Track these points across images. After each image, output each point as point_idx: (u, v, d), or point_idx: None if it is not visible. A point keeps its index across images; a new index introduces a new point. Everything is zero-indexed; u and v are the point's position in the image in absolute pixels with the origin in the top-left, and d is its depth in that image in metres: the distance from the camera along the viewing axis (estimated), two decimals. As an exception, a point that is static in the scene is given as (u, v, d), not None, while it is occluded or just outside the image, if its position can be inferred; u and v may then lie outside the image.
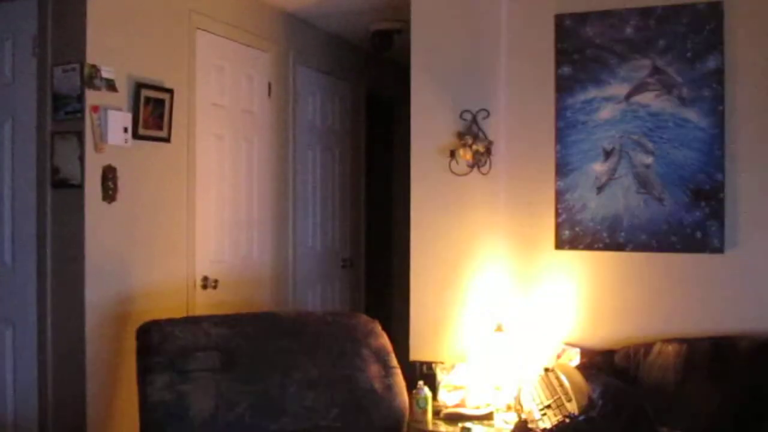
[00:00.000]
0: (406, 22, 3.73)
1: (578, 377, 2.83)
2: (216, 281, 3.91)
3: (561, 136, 3.35)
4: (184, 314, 3.64)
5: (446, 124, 3.49)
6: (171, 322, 2.98)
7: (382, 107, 5.95)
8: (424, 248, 3.56)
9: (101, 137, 3.18)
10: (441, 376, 3.30)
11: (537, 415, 2.76)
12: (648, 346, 3.07)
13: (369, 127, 5.73)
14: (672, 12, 3.18)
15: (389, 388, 2.99)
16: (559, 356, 3.28)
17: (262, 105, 4.37)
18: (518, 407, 3.04)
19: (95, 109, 3.16)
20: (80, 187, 3.15)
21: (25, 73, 3.26)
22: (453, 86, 3.49)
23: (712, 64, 3.13)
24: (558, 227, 3.36)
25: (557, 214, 3.36)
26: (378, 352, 3.07)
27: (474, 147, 3.39)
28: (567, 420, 2.61)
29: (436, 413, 3.13)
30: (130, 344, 2.95)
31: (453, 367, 3.32)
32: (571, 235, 3.34)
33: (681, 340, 3.04)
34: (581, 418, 2.59)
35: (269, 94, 4.41)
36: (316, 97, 4.96)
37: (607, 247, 3.29)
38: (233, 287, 4.06)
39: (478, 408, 3.14)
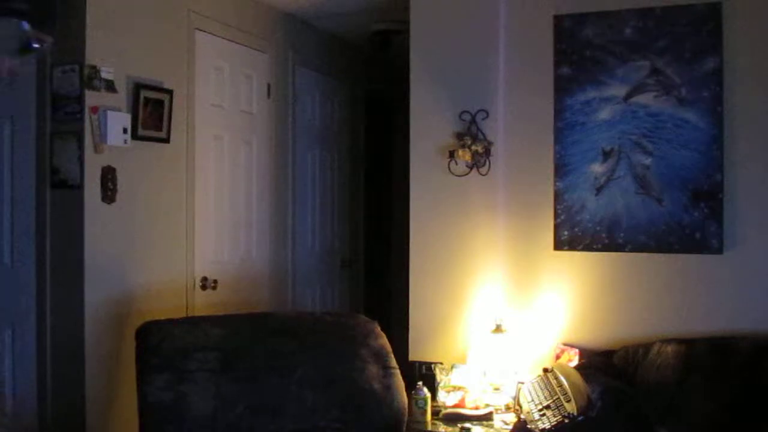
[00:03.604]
0: (405, 23, 3.73)
1: (577, 378, 2.83)
2: (215, 282, 3.91)
3: (560, 136, 3.35)
4: (183, 315, 3.65)
5: (445, 125, 3.49)
6: (170, 322, 2.99)
7: (381, 108, 5.95)
8: (423, 249, 3.56)
9: (100, 138, 3.18)
10: (440, 376, 3.30)
11: (536, 415, 2.76)
12: (647, 347, 3.07)
13: (368, 128, 5.73)
14: (671, 13, 3.18)
15: (388, 388, 2.99)
16: (557, 357, 3.28)
17: (261, 106, 4.36)
18: (517, 408, 3.04)
19: (94, 109, 3.16)
20: (79, 187, 3.15)
21: (24, 74, 3.25)
22: (452, 87, 3.49)
23: (711, 65, 3.13)
24: (557, 228, 3.36)
25: (556, 215, 3.36)
26: (377, 353, 3.07)
27: (473, 148, 3.39)
28: (566, 420, 2.61)
29: (435, 414, 3.13)
30: (130, 344, 2.95)
31: (452, 367, 3.32)
32: (570, 236, 3.34)
33: (680, 341, 3.04)
34: (580, 418, 2.59)
35: (268, 94, 4.41)
36: (315, 98, 4.96)
37: (606, 248, 3.29)
38: (232, 288, 4.06)
39: (477, 408, 3.13)
